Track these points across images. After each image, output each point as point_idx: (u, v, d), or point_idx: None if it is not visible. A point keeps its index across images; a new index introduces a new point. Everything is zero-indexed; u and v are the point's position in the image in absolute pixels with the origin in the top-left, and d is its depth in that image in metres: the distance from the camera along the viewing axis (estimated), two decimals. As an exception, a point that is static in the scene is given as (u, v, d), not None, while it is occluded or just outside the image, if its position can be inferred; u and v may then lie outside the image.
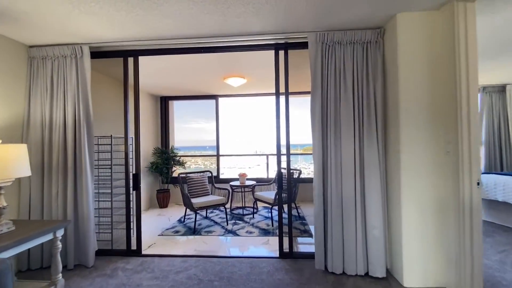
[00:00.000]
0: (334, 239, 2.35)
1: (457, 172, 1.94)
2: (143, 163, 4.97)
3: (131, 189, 2.84)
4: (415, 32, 2.13)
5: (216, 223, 3.95)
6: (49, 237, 2.07)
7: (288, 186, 2.96)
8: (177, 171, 5.62)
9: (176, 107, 5.97)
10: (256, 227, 3.73)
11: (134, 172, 2.85)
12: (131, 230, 2.89)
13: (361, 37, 2.36)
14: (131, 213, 2.92)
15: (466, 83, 1.91)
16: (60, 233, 2.15)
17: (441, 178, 2.10)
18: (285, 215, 3.81)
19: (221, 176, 5.64)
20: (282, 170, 4.23)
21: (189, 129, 6.15)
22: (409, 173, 2.12)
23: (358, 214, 2.31)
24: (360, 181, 2.33)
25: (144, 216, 4.46)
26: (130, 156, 2.92)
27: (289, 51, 2.65)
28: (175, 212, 4.66)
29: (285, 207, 4.00)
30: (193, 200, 3.71)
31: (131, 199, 2.89)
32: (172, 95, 5.58)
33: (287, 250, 2.70)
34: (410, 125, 2.12)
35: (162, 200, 5.05)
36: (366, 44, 2.38)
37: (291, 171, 3.90)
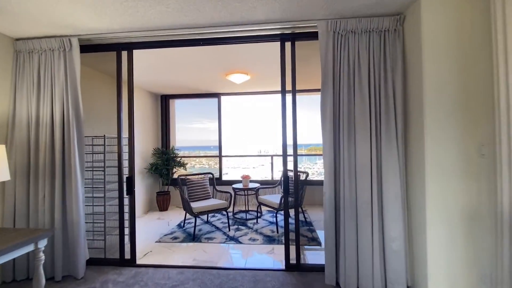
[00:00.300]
0: (348, 251, 2.10)
1: (494, 176, 1.67)
2: (143, 164, 4.77)
3: (124, 193, 2.62)
4: (442, 18, 1.86)
5: (217, 228, 3.72)
6: (29, 248, 1.86)
7: (295, 190, 2.72)
8: (178, 172, 5.43)
9: (178, 106, 5.77)
10: (260, 233, 3.48)
11: (128, 175, 2.63)
12: (125, 238, 2.67)
13: (378, 24, 2.10)
14: (125, 219, 2.71)
15: (505, 75, 1.63)
16: (42, 243, 1.94)
17: (473, 182, 1.82)
18: (291, 220, 3.57)
19: (224, 178, 5.41)
20: (288, 173, 3.97)
21: (193, 129, 5.95)
22: (436, 176, 1.85)
23: (375, 223, 2.05)
24: (377, 185, 2.08)
25: (142, 220, 4.26)
26: (125, 158, 2.70)
27: (297, 43, 2.41)
28: (175, 216, 4.45)
29: (291, 211, 3.74)
30: (193, 205, 3.49)
31: (125, 204, 2.67)
32: (172, 94, 5.37)
33: (294, 262, 2.46)
34: (436, 123, 1.85)
35: (162, 203, 4.84)
36: (383, 32, 2.12)
37: (298, 173, 3.64)
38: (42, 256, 1.94)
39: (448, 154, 1.85)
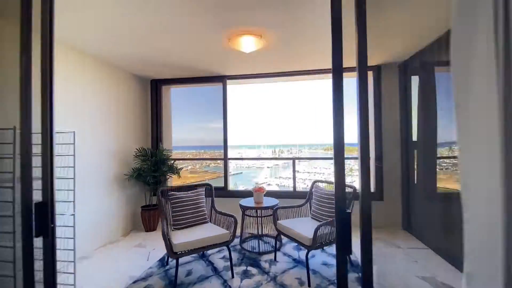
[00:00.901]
0: None
1: None
2: (123, 169, 3.62)
3: (34, 234, 1.43)
4: None
5: (215, 270, 2.47)
6: None
7: (337, 217, 1.39)
8: (173, 180, 4.26)
9: (179, 100, 4.61)
10: (281, 286, 2.19)
11: (41, 200, 1.43)
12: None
13: None
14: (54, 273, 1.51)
15: None
16: None
17: None
18: (330, 265, 2.29)
19: (230, 187, 4.16)
20: (319, 184, 2.75)
21: (201, 127, 4.76)
22: None
23: None
24: None
25: (117, 247, 3.09)
26: (37, 164, 1.51)
27: None
28: (162, 242, 3.24)
29: (329, 248, 2.36)
30: (176, 238, 2.25)
31: (41, 250, 1.48)
32: (166, 78, 4.18)
33: None
34: None
35: (148, 221, 3.67)
36: None
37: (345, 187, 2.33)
38: None
39: None
